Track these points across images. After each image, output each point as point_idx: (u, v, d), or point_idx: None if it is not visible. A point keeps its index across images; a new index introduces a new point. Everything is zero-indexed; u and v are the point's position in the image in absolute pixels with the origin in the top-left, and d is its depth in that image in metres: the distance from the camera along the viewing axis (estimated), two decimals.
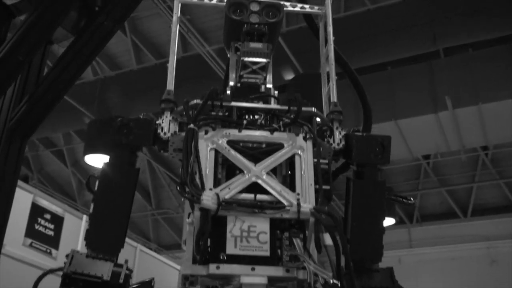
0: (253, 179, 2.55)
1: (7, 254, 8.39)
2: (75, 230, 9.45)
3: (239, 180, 2.53)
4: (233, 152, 2.60)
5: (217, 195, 2.41)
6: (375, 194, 2.89)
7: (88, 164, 13.24)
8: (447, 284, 15.35)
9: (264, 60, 2.91)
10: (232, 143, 2.63)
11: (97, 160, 12.61)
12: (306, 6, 3.39)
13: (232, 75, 3.07)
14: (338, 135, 2.91)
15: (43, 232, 8.96)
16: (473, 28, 10.72)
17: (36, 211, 8.94)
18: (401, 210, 16.02)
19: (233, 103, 2.75)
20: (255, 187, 2.55)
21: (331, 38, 3.25)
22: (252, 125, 2.71)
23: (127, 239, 9.66)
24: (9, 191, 3.80)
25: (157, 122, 2.81)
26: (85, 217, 9.72)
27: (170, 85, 2.92)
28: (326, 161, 2.77)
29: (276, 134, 2.71)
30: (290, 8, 3.26)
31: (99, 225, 2.74)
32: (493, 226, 15.00)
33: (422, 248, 15.95)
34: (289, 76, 11.82)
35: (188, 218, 2.64)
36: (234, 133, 2.65)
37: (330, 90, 3.13)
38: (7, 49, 3.62)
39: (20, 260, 8.53)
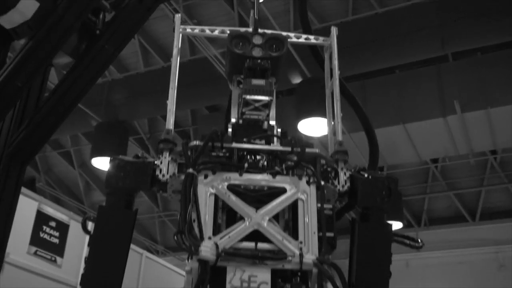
0: (254, 227, 2.49)
1: (11, 263, 8.38)
2: (81, 237, 9.41)
3: (240, 228, 2.48)
4: (233, 197, 2.55)
5: (216, 245, 2.36)
6: (382, 238, 2.82)
7: (95, 166, 13.29)
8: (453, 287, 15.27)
9: (266, 98, 2.84)
10: (233, 186, 2.58)
11: (104, 163, 12.66)
12: (311, 37, 3.32)
13: (234, 111, 3.01)
14: (343, 176, 2.84)
15: (48, 240, 8.94)
16: (481, 32, 10.63)
17: (41, 218, 8.91)
18: (409, 214, 15.93)
19: (234, 145, 2.68)
20: (256, 234, 2.50)
21: (336, 72, 3.17)
22: (254, 168, 2.64)
23: (132, 246, 9.65)
24: (7, 218, 3.75)
25: (155, 162, 2.75)
26: (90, 224, 9.69)
27: (170, 124, 2.85)
28: (330, 206, 2.71)
29: (278, 177, 2.65)
30: (295, 39, 3.20)
31: (95, 270, 2.70)
32: (502, 230, 14.87)
33: (430, 252, 15.78)
34: (296, 80, 11.76)
35: (188, 259, 2.59)
36: (235, 176, 2.60)
37: (335, 128, 3.05)
38: (5, 75, 3.56)
39: (25, 268, 8.52)
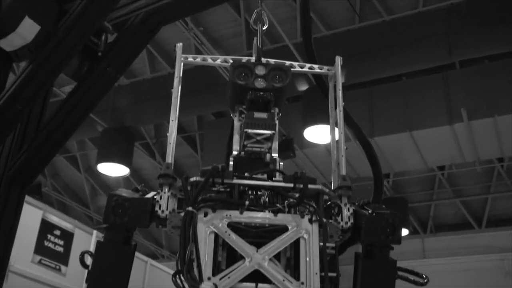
0: (255, 267, 2.46)
1: (15, 272, 8.41)
2: (85, 245, 9.43)
3: (240, 268, 2.45)
4: (234, 236, 2.51)
5: (216, 286, 2.33)
6: (386, 275, 2.77)
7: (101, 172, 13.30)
8: None
9: (268, 132, 2.81)
10: (234, 223, 2.54)
11: (110, 169, 12.67)
12: (315, 66, 3.28)
13: (236, 142, 2.98)
14: (346, 212, 2.78)
15: (53, 249, 8.96)
16: (489, 41, 10.57)
17: (46, 227, 8.94)
18: (415, 221, 15.87)
19: (235, 181, 2.64)
20: (257, 273, 2.46)
21: (340, 103, 3.12)
22: (255, 206, 2.60)
23: (137, 253, 9.59)
24: (8, 239, 3.75)
25: (155, 197, 2.71)
26: (95, 233, 9.72)
27: (169, 157, 2.81)
28: (333, 245, 2.66)
29: (280, 215, 2.60)
30: (298, 69, 3.16)
31: None
32: (508, 237, 14.77)
33: (436, 259, 15.77)
34: (303, 87, 11.72)
35: None
36: (235, 214, 2.56)
37: (339, 162, 2.99)
38: (5, 99, 3.57)
39: (29, 277, 8.54)
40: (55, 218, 9.08)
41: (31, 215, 8.43)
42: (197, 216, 2.49)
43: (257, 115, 2.83)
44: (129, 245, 2.73)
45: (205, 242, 2.47)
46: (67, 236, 9.18)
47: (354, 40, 11.41)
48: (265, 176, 2.78)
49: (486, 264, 15.06)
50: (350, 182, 2.91)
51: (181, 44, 3.03)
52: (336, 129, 3.16)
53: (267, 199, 2.67)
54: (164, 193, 2.71)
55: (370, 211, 2.79)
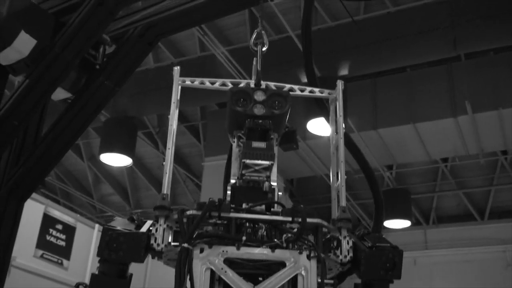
0: None
1: (18, 266, 8.45)
2: (87, 239, 9.48)
3: None
4: (230, 273, 2.48)
5: None
6: None
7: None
8: (461, 286, 15.21)
9: (267, 162, 2.76)
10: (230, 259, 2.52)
11: (113, 159, 12.66)
12: (316, 89, 3.20)
13: (234, 169, 2.94)
14: (346, 245, 2.72)
15: (55, 243, 8.99)
16: (494, 33, 10.45)
17: (48, 221, 8.96)
18: (417, 212, 15.86)
19: (232, 215, 2.61)
20: None
21: (341, 129, 3.02)
22: (252, 241, 2.57)
23: None
24: (5, 254, 3.75)
25: (150, 228, 2.68)
26: (97, 226, 9.73)
27: (166, 187, 2.75)
28: (331, 281, 2.63)
29: (277, 251, 2.56)
30: (299, 92, 3.10)
31: None
32: (510, 229, 14.74)
33: (438, 250, 15.79)
34: (305, 79, 11.65)
35: None
36: (232, 250, 2.52)
37: (339, 191, 2.91)
38: (1, 114, 3.54)
39: (31, 271, 8.58)
40: (57, 213, 9.10)
41: (33, 210, 8.44)
42: (192, 253, 2.46)
43: (256, 144, 2.78)
44: (125, 278, 2.71)
45: (200, 279, 2.44)
46: (69, 230, 9.20)
47: (359, 31, 11.32)
48: (263, 207, 2.75)
49: (488, 256, 15.08)
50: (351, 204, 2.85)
51: (178, 67, 2.98)
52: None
53: (264, 233, 2.63)
54: (160, 225, 2.66)
55: (370, 244, 2.74)
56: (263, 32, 3.30)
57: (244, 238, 2.54)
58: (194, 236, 2.51)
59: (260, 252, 2.55)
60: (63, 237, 9.15)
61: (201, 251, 2.50)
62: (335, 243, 2.72)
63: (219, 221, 2.61)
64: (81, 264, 9.33)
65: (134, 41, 3.85)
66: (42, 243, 8.87)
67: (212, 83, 3.04)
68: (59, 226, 9.10)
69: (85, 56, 3.84)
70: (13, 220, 3.73)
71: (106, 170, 15.68)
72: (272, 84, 3.04)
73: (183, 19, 3.80)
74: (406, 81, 12.35)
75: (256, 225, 2.65)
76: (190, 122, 14.76)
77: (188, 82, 3.03)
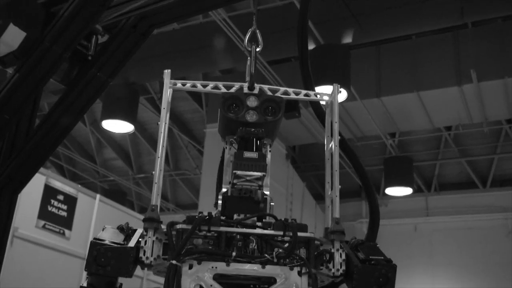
0: None
1: (20, 237, 8.53)
2: (89, 210, 9.54)
3: None
4: None
5: None
6: None
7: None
8: (462, 253, 15.33)
9: (258, 174, 2.71)
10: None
11: (114, 125, 12.63)
12: (311, 93, 3.09)
13: (226, 175, 2.88)
14: (338, 258, 2.67)
15: (56, 213, 9.04)
16: (503, 1, 10.22)
17: (49, 192, 8.99)
18: (419, 179, 15.86)
19: (222, 229, 2.56)
20: None
21: (336, 137, 2.91)
22: (242, 256, 2.53)
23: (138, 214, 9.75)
24: (0, 248, 3.74)
25: (140, 239, 2.64)
26: (98, 196, 9.77)
27: (154, 199, 2.68)
28: None
29: (268, 267, 2.53)
30: (293, 96, 3.00)
31: None
32: None
33: (439, 217, 15.85)
34: (309, 46, 11.48)
35: None
36: (221, 266, 2.49)
37: (333, 203, 2.83)
38: None
39: (34, 242, 8.66)
40: (58, 183, 9.12)
41: (34, 181, 8.42)
42: (181, 269, 2.43)
43: (247, 154, 2.71)
44: None
45: None
46: (70, 201, 9.24)
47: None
48: (255, 218, 2.71)
49: (489, 223, 15.14)
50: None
51: (169, 70, 2.90)
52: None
53: (255, 246, 2.59)
54: (149, 237, 2.62)
55: (363, 257, 2.69)
56: (257, 31, 3.19)
57: (234, 254, 2.51)
58: (183, 252, 2.48)
59: (250, 268, 2.52)
60: (65, 207, 9.20)
61: (190, 267, 2.47)
62: (327, 256, 2.68)
63: (209, 234, 2.57)
64: (83, 234, 9.42)
65: (127, 32, 3.75)
66: (44, 213, 8.93)
67: (204, 86, 2.94)
68: (61, 197, 9.13)
69: (77, 47, 3.74)
70: (7, 213, 3.70)
71: (108, 135, 15.65)
72: (266, 87, 2.95)
73: (177, 9, 3.69)
74: (411, 48, 12.17)
75: (247, 239, 2.61)
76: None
77: (179, 85, 2.94)
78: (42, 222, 8.84)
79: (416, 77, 11.89)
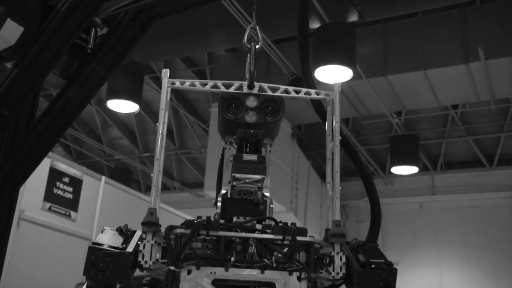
0: None
1: (26, 219, 8.59)
2: (94, 191, 9.58)
3: None
4: None
5: None
6: None
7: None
8: (468, 232, 15.35)
9: (258, 177, 2.69)
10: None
11: (119, 105, 12.62)
12: (312, 91, 3.03)
13: (226, 175, 2.86)
14: (338, 262, 2.65)
15: (62, 196, 9.08)
16: None
17: (55, 175, 9.02)
18: (425, 158, 15.80)
19: (221, 233, 2.55)
20: None
21: (337, 138, 2.85)
22: (241, 261, 2.52)
23: (148, 197, 9.79)
24: (2, 242, 3.75)
25: (138, 242, 2.63)
26: (103, 178, 9.81)
27: (153, 202, 2.66)
28: None
29: (267, 272, 2.52)
30: (294, 94, 2.95)
31: None
32: None
33: (445, 196, 15.83)
34: (314, 25, 11.36)
35: None
36: (220, 272, 2.48)
37: (333, 204, 2.79)
38: None
39: (40, 224, 8.72)
40: (63, 166, 9.14)
41: (40, 164, 8.50)
42: (179, 275, 2.43)
43: (246, 157, 2.68)
44: None
45: None
46: (75, 183, 9.26)
47: None
48: (255, 222, 2.69)
49: (495, 202, 15.10)
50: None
51: (167, 70, 2.86)
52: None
53: (255, 250, 2.58)
54: (148, 241, 2.61)
55: (363, 260, 2.68)
56: (257, 27, 3.13)
57: (232, 259, 2.50)
58: (181, 257, 2.47)
59: (249, 273, 2.51)
60: (70, 189, 9.22)
61: (189, 272, 2.47)
62: (327, 260, 2.66)
63: (208, 237, 2.56)
64: (89, 216, 9.47)
65: (126, 25, 3.70)
66: (50, 196, 8.96)
67: (203, 85, 2.90)
68: (66, 179, 9.16)
69: (76, 41, 3.70)
70: (9, 208, 3.71)
71: (114, 114, 15.65)
72: (266, 86, 2.90)
73: (177, 2, 3.64)
74: (418, 26, 12.01)
75: (246, 242, 2.60)
76: (197, 66, 14.58)
77: (178, 84, 2.89)
78: (48, 205, 8.88)
79: (422, 55, 11.76)
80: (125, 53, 3.76)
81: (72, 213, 9.32)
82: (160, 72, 11.95)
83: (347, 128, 14.78)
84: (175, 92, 15.07)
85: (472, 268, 15.11)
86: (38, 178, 8.51)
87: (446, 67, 11.73)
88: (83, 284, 2.80)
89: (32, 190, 8.49)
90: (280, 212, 13.65)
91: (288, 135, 14.13)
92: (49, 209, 9.01)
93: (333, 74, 11.01)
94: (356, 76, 11.12)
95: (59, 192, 9.16)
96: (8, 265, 7.60)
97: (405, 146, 14.08)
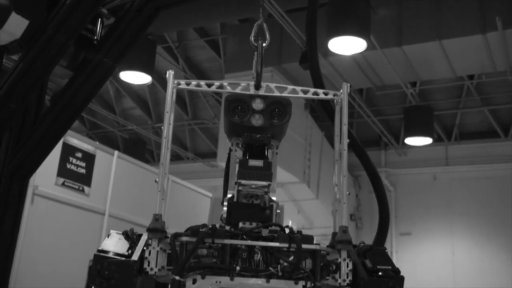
0: None
1: (40, 194, 8.67)
2: (107, 166, 9.62)
3: None
4: None
5: None
6: None
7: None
8: (481, 202, 15.27)
9: (264, 183, 2.65)
10: None
11: (132, 77, 12.60)
12: (320, 91, 2.95)
13: (232, 179, 2.83)
14: (345, 268, 2.63)
15: (75, 171, 9.12)
16: None
17: (67, 150, 9.04)
18: (439, 128, 15.65)
19: (227, 241, 2.53)
20: None
21: (345, 141, 2.79)
22: (246, 269, 2.51)
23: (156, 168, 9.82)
24: (12, 234, 3.79)
25: (144, 248, 2.62)
26: (116, 153, 9.84)
27: (158, 208, 2.63)
28: None
29: (272, 281, 2.51)
30: (301, 94, 2.88)
31: None
32: None
33: (458, 166, 15.73)
34: None
35: None
36: (225, 281, 2.47)
37: (341, 209, 2.74)
38: None
39: (53, 199, 8.79)
40: (76, 141, 9.15)
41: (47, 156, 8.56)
42: (184, 285, 2.43)
43: (252, 163, 2.65)
44: None
45: None
46: (88, 158, 9.29)
47: None
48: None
49: (509, 173, 14.96)
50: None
51: (172, 71, 2.80)
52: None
53: (261, 257, 2.57)
54: (153, 248, 2.61)
55: (370, 266, 2.65)
56: (264, 25, 3.05)
57: (238, 268, 2.49)
58: (187, 267, 2.46)
59: (255, 283, 2.51)
60: (83, 164, 9.26)
61: (194, 282, 2.47)
62: (334, 267, 2.64)
63: (213, 244, 2.55)
64: (102, 190, 9.53)
65: (132, 16, 3.64)
66: (63, 171, 9.00)
67: (209, 85, 2.84)
68: (79, 154, 9.18)
69: (82, 32, 3.66)
70: (18, 201, 3.73)
71: (127, 84, 15.62)
72: (273, 85, 2.84)
73: None
74: None
75: (252, 250, 2.59)
76: (210, 36, 14.45)
77: (183, 85, 2.84)
78: (61, 180, 8.94)
79: (438, 25, 11.56)
80: (132, 44, 3.72)
81: (86, 188, 9.38)
82: (173, 42, 11.91)
83: (361, 98, 14.64)
84: (188, 62, 14.99)
85: (484, 240, 15.10)
86: (51, 154, 8.52)
87: (463, 37, 11.53)
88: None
89: (46, 166, 8.47)
90: (293, 183, 13.67)
91: (301, 106, 14.05)
92: (63, 184, 9.06)
93: (346, 45, 10.88)
94: (370, 47, 10.98)
95: (72, 167, 9.20)
96: (23, 240, 7.72)
97: (419, 116, 13.93)
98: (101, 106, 16.24)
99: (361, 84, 13.82)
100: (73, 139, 9.23)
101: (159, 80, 14.99)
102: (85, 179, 9.36)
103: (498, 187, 15.06)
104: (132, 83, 13.11)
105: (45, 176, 8.69)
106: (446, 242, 15.43)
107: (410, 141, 14.31)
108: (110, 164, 9.65)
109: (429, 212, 15.57)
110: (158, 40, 13.30)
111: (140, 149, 16.39)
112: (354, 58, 12.45)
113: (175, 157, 17.36)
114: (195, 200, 11.28)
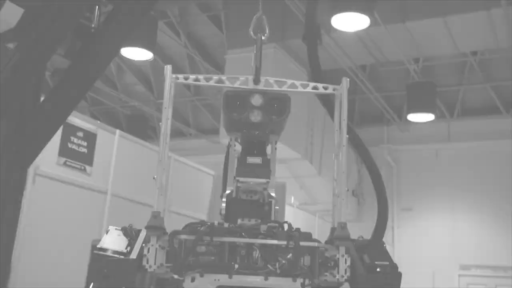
0: None
1: (42, 174, 8.66)
2: (109, 145, 9.57)
3: None
4: None
5: None
6: None
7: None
8: (483, 179, 15.30)
9: (262, 180, 2.65)
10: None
11: (133, 53, 12.52)
12: (320, 85, 2.93)
13: (230, 177, 2.83)
14: (343, 264, 2.65)
15: (77, 150, 9.08)
16: None
17: (69, 129, 9.00)
18: (442, 104, 15.59)
19: (225, 239, 2.54)
20: None
21: (344, 137, 2.78)
22: (245, 267, 2.52)
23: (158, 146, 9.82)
24: (11, 223, 3.82)
25: (143, 244, 2.63)
26: (118, 132, 9.82)
27: (157, 204, 2.62)
28: None
29: (271, 279, 2.52)
30: (301, 89, 2.86)
31: None
32: None
33: (460, 143, 15.72)
34: None
35: None
36: (224, 279, 2.49)
37: (339, 207, 2.75)
38: None
39: (55, 179, 8.79)
40: (77, 120, 9.11)
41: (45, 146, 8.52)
42: (182, 284, 2.44)
43: (251, 160, 2.65)
44: None
45: None
46: (90, 137, 9.26)
47: None
48: (258, 221, 2.68)
49: (510, 149, 14.93)
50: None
51: (170, 66, 2.78)
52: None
53: (259, 255, 2.57)
54: (152, 245, 2.61)
55: (368, 261, 2.67)
56: (263, 17, 3.02)
57: (236, 266, 2.50)
58: (185, 265, 2.48)
59: (253, 280, 2.52)
60: (85, 144, 9.23)
61: (193, 280, 2.49)
62: (332, 263, 2.66)
63: (212, 241, 2.56)
64: (104, 169, 9.51)
65: (131, 4, 3.60)
66: (64, 150, 8.96)
67: (207, 80, 2.83)
68: (80, 134, 9.15)
69: (80, 21, 3.63)
70: (18, 189, 3.75)
71: (128, 60, 15.54)
72: (272, 80, 2.82)
73: None
74: None
75: (251, 247, 2.60)
76: (212, 11, 14.32)
77: (181, 79, 2.83)
78: (63, 159, 8.92)
79: (442, 2, 11.45)
80: (131, 31, 3.69)
81: (87, 167, 9.36)
82: (174, 17, 11.80)
83: (364, 75, 14.56)
84: (190, 38, 14.88)
85: (484, 216, 15.17)
86: None
87: (467, 13, 11.42)
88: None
89: (47, 146, 8.51)
90: (296, 159, 13.67)
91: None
92: (64, 163, 9.04)
93: (350, 21, 10.80)
94: (373, 23, 10.90)
95: (74, 146, 9.17)
96: (25, 220, 7.76)
97: (422, 93, 13.89)
98: (102, 82, 16.17)
99: (364, 60, 13.75)
100: (74, 118, 9.19)
101: (161, 54, 14.92)
102: (87, 158, 9.34)
103: (500, 163, 15.08)
104: (134, 59, 13.04)
105: (47, 155, 8.65)
106: (447, 218, 15.51)
107: (413, 117, 14.28)
108: (111, 143, 9.62)
109: (431, 188, 15.61)
110: (159, 16, 13.19)
111: (142, 125, 16.38)
112: (357, 34, 12.35)
113: (178, 134, 17.35)
114: (197, 178, 11.28)
